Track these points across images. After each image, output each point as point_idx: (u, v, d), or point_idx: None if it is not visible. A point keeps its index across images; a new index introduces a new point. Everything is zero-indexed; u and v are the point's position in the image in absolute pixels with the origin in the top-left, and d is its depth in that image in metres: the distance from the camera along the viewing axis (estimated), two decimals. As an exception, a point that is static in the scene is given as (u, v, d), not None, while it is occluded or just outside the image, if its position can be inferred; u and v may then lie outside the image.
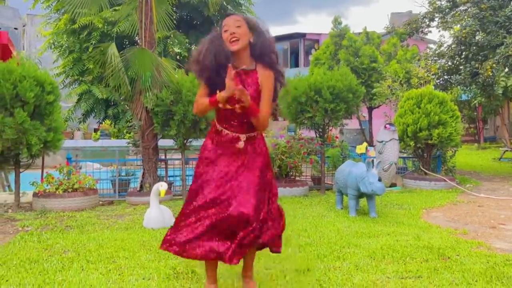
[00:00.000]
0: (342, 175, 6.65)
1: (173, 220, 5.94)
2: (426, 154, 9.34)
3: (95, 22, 15.36)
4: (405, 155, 10.40)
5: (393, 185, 9.07)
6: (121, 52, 7.28)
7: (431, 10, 13.41)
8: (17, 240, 5.09)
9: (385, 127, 8.75)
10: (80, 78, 16.90)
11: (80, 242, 4.93)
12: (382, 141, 8.67)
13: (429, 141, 8.95)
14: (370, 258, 4.26)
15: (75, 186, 7.06)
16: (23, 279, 3.70)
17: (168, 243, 3.08)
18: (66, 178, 7.25)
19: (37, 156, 6.96)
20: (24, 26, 28.35)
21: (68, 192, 6.97)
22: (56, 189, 6.97)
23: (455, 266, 3.96)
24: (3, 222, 6.14)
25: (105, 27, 15.33)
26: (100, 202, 7.73)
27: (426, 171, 9.23)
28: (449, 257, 4.26)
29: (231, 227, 2.80)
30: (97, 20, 15.34)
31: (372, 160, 9.42)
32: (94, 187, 7.43)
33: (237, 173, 2.92)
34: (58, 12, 16.86)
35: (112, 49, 7.25)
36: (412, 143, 9.02)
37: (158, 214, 5.63)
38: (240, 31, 2.84)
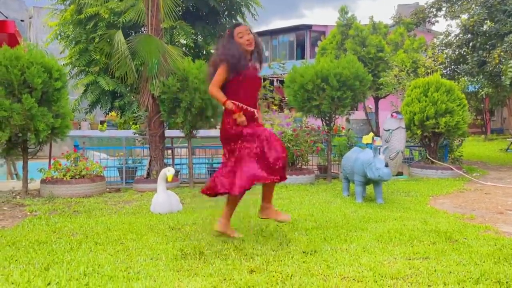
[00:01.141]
0: (348, 161, 6.64)
1: (180, 205, 6.00)
2: (433, 143, 9.30)
3: (102, 13, 15.36)
4: (411, 144, 10.37)
5: (399, 174, 9.06)
6: (127, 39, 7.28)
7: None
8: (25, 223, 5.13)
9: (392, 115, 8.72)
10: (87, 69, 16.93)
11: (88, 226, 4.96)
12: (388, 130, 8.65)
13: (436, 130, 8.91)
14: (377, 241, 4.26)
15: (83, 173, 7.10)
16: (32, 259, 3.73)
17: None
18: (73, 165, 7.29)
19: (45, 142, 6.99)
20: (30, 18, 28.39)
21: (76, 178, 7.01)
22: (64, 175, 7.01)
23: (462, 248, 3.96)
24: (12, 207, 6.19)
25: (111, 17, 15.33)
26: (107, 189, 7.76)
27: (433, 160, 9.20)
28: (456, 240, 4.25)
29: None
30: (103, 10, 15.34)
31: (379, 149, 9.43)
32: (101, 174, 7.46)
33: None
34: (64, 3, 16.88)
35: (119, 36, 7.26)
36: (419, 132, 8.98)
37: (166, 199, 5.66)
38: (252, 36, 4.15)
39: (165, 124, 7.88)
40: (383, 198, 6.37)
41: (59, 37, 16.90)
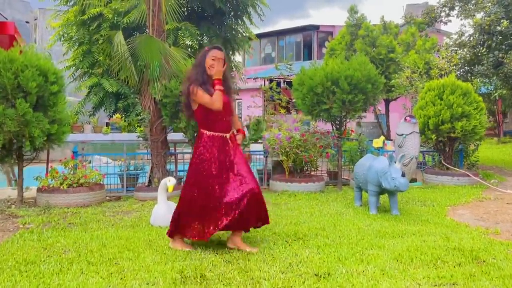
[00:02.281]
0: (361, 169, 6.25)
1: (182, 217, 5.62)
2: (448, 148, 8.88)
3: (105, 13, 15.03)
4: (424, 149, 9.95)
5: (413, 180, 8.64)
6: (127, 40, 6.93)
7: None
8: (16, 238, 4.78)
9: (406, 119, 8.32)
10: (90, 71, 16.60)
11: (82, 241, 4.60)
12: (402, 134, 8.25)
13: (452, 135, 8.49)
14: (396, 261, 3.87)
15: (81, 181, 6.75)
16: (16, 283, 3.38)
17: None
18: (71, 172, 6.94)
19: (41, 149, 6.65)
20: (35, 19, 28.18)
21: (73, 187, 6.66)
22: (61, 184, 6.66)
23: (493, 272, 3.56)
24: (4, 219, 5.85)
25: (115, 18, 14.99)
26: (107, 198, 7.42)
27: (448, 166, 8.78)
28: (484, 261, 3.86)
29: None
30: (106, 11, 15.01)
31: (391, 154, 9.02)
32: (101, 182, 7.11)
33: None
34: (68, 4, 16.56)
35: (119, 37, 6.90)
36: (433, 137, 8.57)
37: (166, 211, 5.28)
38: (221, 65, 4.23)
39: (167, 129, 7.51)
40: (398, 209, 5.97)
41: (62, 39, 16.57)
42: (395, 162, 5.68)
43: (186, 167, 8.49)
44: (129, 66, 6.87)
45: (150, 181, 7.41)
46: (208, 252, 4.18)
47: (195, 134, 7.42)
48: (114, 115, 16.79)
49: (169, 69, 6.94)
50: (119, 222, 5.60)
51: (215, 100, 4.10)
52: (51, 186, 6.67)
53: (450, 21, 12.64)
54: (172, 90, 6.92)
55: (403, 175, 5.54)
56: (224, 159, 4.20)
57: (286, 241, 4.56)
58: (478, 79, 11.52)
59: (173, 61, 6.96)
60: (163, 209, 5.28)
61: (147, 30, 7.40)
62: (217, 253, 4.15)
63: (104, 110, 17.51)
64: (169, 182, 5.24)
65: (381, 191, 5.94)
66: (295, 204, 6.68)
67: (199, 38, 17.62)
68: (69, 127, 6.66)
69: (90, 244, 4.51)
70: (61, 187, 6.58)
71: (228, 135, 4.29)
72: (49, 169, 6.96)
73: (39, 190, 6.68)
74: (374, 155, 6.59)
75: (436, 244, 4.36)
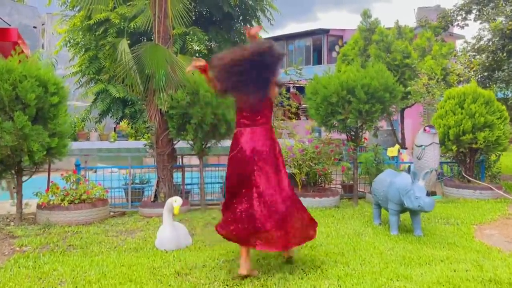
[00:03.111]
0: (381, 186, 5.83)
1: (190, 238, 5.24)
2: (469, 159, 8.43)
3: (112, 18, 14.74)
4: (442, 159, 9.49)
5: (432, 193, 8.19)
6: (132, 48, 6.57)
7: (467, 1, 12.44)
8: (10, 265, 4.42)
9: (425, 129, 7.88)
10: (97, 77, 16.33)
11: (81, 269, 4.23)
12: (421, 146, 7.80)
13: (474, 146, 8.05)
14: (427, 297, 3.46)
15: (83, 197, 6.39)
16: (3, 326, 3.01)
17: None
18: (73, 187, 6.58)
19: (41, 164, 6.30)
20: (43, 24, 28.03)
21: (75, 203, 6.30)
22: (62, 200, 6.30)
23: (540, 313, 3.14)
24: (1, 239, 5.49)
25: (122, 23, 14.70)
26: (111, 213, 7.05)
27: (470, 178, 8.33)
28: (527, 298, 3.43)
29: None
30: (113, 16, 14.72)
31: (409, 167, 8.60)
32: (104, 197, 6.75)
33: None
34: (74, 9, 16.32)
35: (123, 45, 6.55)
36: (454, 148, 8.13)
37: (172, 234, 4.91)
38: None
39: (174, 141, 7.14)
40: (421, 229, 5.55)
41: (68, 44, 16.33)
42: (418, 180, 5.26)
43: (194, 176, 8.19)
44: (133, 75, 6.51)
45: (156, 196, 7.04)
46: (218, 283, 3.80)
47: (203, 147, 7.05)
48: (121, 121, 16.49)
49: (175, 79, 6.57)
50: (122, 244, 5.23)
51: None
52: (51, 202, 6.31)
53: (467, 25, 12.19)
54: (179, 101, 6.55)
55: (428, 194, 5.11)
56: None
57: (302, 270, 4.16)
58: (496, 85, 11.07)
59: (180, 70, 6.59)
60: (168, 232, 4.91)
61: (154, 35, 7.04)
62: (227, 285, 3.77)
63: (111, 117, 17.25)
64: (175, 202, 4.85)
65: (403, 210, 5.53)
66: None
67: (208, 43, 17.32)
68: (68, 140, 6.31)
69: (89, 272, 4.14)
70: (62, 204, 6.22)
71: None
72: (51, 184, 6.59)
73: (39, 206, 6.33)
74: (394, 171, 6.16)
75: (469, 274, 3.94)
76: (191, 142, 7.03)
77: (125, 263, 4.40)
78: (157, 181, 7.05)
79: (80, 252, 4.87)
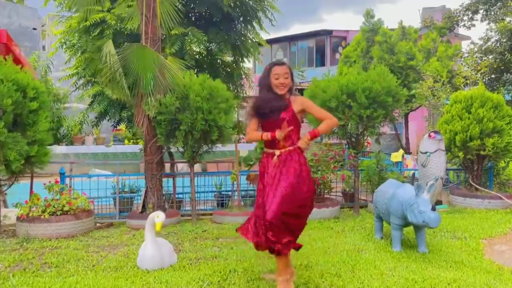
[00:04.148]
0: (383, 198, 5.42)
1: (174, 256, 4.83)
2: (477, 167, 7.99)
3: (108, 19, 14.36)
4: (449, 166, 9.07)
5: (438, 202, 7.75)
6: (117, 50, 6.18)
7: (474, 1, 12.02)
8: (-26, 288, 4.04)
9: (430, 135, 7.46)
10: (93, 79, 15.94)
11: (51, 293, 3.84)
12: (426, 152, 7.38)
13: (482, 152, 7.62)
14: (433, 333, 3.05)
15: (65, 209, 6.00)
16: None
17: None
18: (55, 198, 6.20)
19: (20, 173, 5.93)
20: (43, 26, 27.76)
21: (57, 215, 5.92)
22: (43, 212, 5.92)
23: None
24: (-26, 256, 5.12)
25: (118, 24, 14.31)
26: (98, 224, 6.68)
27: (478, 187, 7.90)
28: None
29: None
30: (109, 17, 14.34)
31: (413, 174, 8.16)
32: (89, 208, 6.36)
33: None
34: (71, 10, 15.93)
35: (109, 47, 6.17)
36: (461, 154, 7.70)
37: (155, 252, 4.51)
38: (288, 81, 3.78)
39: (163, 149, 6.75)
40: (426, 244, 5.13)
41: (64, 46, 15.94)
42: (423, 192, 4.84)
43: (186, 190, 7.81)
44: (119, 79, 6.12)
45: (144, 207, 6.65)
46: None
47: (194, 154, 6.66)
48: (118, 125, 16.09)
49: (164, 82, 6.17)
50: (102, 261, 4.83)
51: (249, 136, 3.96)
52: (31, 214, 5.93)
53: (473, 25, 11.76)
54: (168, 106, 6.15)
55: (433, 208, 4.70)
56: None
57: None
58: (504, 87, 10.64)
59: (169, 73, 6.20)
60: (150, 250, 4.50)
61: (141, 35, 6.63)
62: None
63: (108, 120, 16.85)
64: (157, 218, 4.44)
65: (406, 224, 5.11)
66: (306, 235, 5.83)
67: (207, 44, 16.88)
68: (49, 149, 5.93)
69: (59, 297, 3.75)
70: (43, 216, 5.84)
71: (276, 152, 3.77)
72: (31, 194, 6.21)
73: (18, 218, 5.95)
74: (397, 181, 5.74)
75: (480, 302, 3.53)
76: (181, 149, 6.65)
77: (100, 285, 4.01)
78: (145, 191, 6.65)
79: (54, 272, 4.48)
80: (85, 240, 5.76)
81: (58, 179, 6.47)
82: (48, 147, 6.24)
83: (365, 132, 7.04)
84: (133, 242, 5.63)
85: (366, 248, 5.22)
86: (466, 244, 5.41)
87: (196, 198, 7.20)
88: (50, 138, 5.98)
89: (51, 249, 5.32)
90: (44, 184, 6.39)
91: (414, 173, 8.17)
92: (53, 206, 5.96)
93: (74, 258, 4.94)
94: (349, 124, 6.82)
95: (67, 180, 6.95)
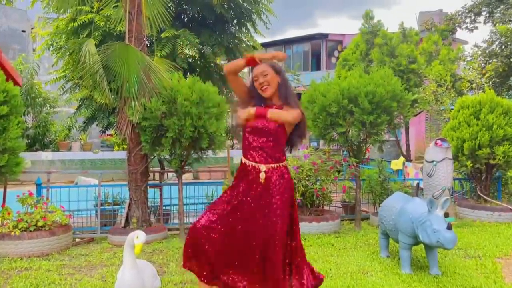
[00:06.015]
0: (389, 213, 4.90)
1: (158, 280, 4.27)
2: (485, 176, 7.50)
3: (97, 21, 13.81)
4: (455, 175, 8.57)
5: (445, 215, 7.22)
6: (98, 49, 5.65)
7: (477, 3, 11.59)
8: None
9: (436, 143, 6.97)
10: (80, 82, 15.37)
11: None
12: (432, 161, 6.88)
13: (491, 161, 7.14)
14: None
15: (39, 224, 5.44)
16: None
17: None
18: (31, 211, 5.63)
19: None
20: (32, 28, 27.14)
21: (30, 231, 5.36)
22: (14, 227, 5.35)
23: None
24: None
25: (107, 25, 13.76)
26: (77, 240, 6.11)
27: (486, 198, 7.40)
28: None
29: None
30: (98, 18, 13.79)
31: (417, 184, 7.67)
32: (66, 223, 5.80)
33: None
34: (58, 11, 15.38)
35: (88, 45, 5.64)
36: (469, 163, 7.21)
37: (134, 278, 3.94)
38: (268, 78, 3.30)
39: (148, 158, 6.21)
40: (438, 266, 4.62)
41: (51, 48, 15.38)
42: (436, 208, 4.33)
43: (174, 202, 7.28)
44: (99, 81, 5.58)
45: (127, 221, 6.09)
46: None
47: (183, 163, 6.11)
48: (107, 130, 15.53)
49: (149, 85, 5.63)
50: (76, 286, 4.28)
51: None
52: (0, 230, 5.36)
53: (476, 27, 11.33)
54: (153, 111, 5.61)
55: (449, 227, 4.18)
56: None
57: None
58: (509, 92, 10.19)
59: (156, 75, 5.66)
60: (128, 275, 3.93)
61: (124, 34, 6.09)
62: None
63: (96, 125, 16.28)
64: (137, 239, 3.88)
65: (416, 243, 4.60)
66: (305, 253, 5.32)
67: (200, 47, 16.37)
68: (22, 158, 5.38)
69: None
70: (13, 233, 5.27)
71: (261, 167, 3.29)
72: (1, 208, 5.64)
73: (-13, 235, 5.38)
74: (405, 194, 5.22)
75: None
76: (167, 157, 6.11)
77: (68, 319, 3.46)
78: (129, 203, 6.10)
79: (18, 301, 3.92)
80: (60, 259, 5.20)
81: (32, 191, 5.88)
82: (33, 153, 5.71)
83: (367, 139, 6.53)
84: (113, 262, 5.07)
85: (372, 270, 4.70)
86: (482, 264, 4.90)
87: (185, 210, 6.66)
88: (23, 145, 5.43)
89: (20, 270, 4.75)
90: (18, 196, 5.82)
91: (418, 183, 7.68)
92: (26, 221, 5.40)
93: (44, 282, 4.38)
94: (351, 130, 6.30)
95: (44, 191, 6.38)
